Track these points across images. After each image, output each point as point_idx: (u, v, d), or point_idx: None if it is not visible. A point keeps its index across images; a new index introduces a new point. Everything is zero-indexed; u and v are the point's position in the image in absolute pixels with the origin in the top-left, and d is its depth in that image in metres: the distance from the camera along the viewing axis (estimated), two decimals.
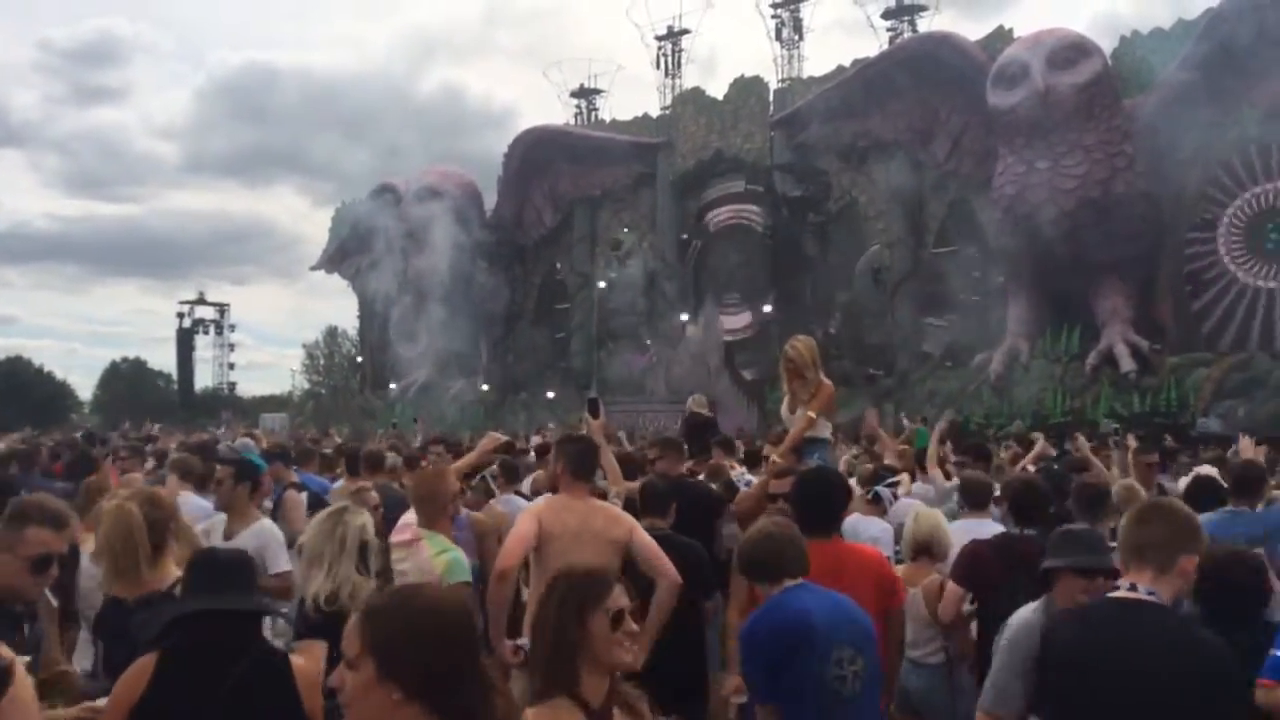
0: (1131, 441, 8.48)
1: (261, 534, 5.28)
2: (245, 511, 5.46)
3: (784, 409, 5.94)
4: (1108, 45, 28.24)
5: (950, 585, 4.77)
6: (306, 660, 3.00)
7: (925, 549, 5.23)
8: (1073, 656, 2.81)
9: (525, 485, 7.82)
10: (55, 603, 3.51)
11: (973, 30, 39.85)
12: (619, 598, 2.52)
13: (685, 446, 7.23)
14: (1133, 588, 2.84)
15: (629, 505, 5.16)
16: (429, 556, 4.25)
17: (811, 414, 5.84)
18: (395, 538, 4.38)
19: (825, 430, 6.07)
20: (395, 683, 1.85)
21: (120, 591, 3.66)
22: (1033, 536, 4.67)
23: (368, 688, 1.87)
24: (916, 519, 5.37)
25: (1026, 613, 3.39)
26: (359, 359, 50.92)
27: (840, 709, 3.43)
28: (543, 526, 4.41)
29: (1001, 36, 29.85)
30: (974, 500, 5.91)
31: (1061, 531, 3.73)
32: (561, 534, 4.41)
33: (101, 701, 3.01)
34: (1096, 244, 25.87)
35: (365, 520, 3.88)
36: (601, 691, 2.47)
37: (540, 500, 4.83)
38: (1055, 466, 8.49)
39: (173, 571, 3.69)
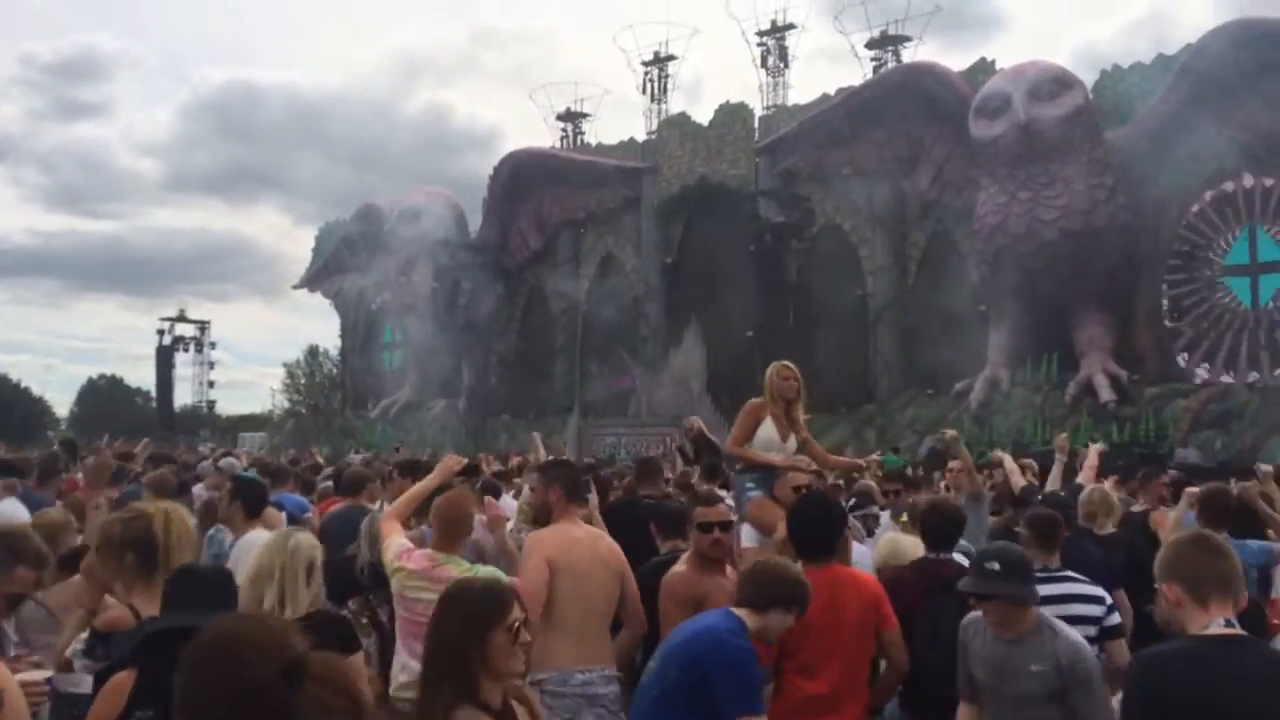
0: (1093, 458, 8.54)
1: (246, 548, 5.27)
2: (240, 527, 5.52)
3: (773, 433, 5.79)
4: (1089, 79, 28.66)
5: None
6: None
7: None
8: (1204, 699, 2.63)
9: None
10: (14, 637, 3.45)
11: (956, 61, 40.31)
12: (517, 610, 2.71)
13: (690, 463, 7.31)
14: (1229, 623, 2.73)
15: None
16: (455, 576, 4.20)
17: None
18: (411, 564, 4.28)
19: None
20: None
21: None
22: (950, 559, 4.72)
23: None
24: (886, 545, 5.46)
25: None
26: (340, 378, 50.72)
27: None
28: (552, 563, 4.43)
29: (984, 68, 30.20)
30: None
31: (1014, 556, 3.86)
32: (572, 569, 4.44)
33: (36, 675, 3.00)
34: (1076, 274, 26.12)
35: (314, 540, 3.82)
36: (499, 694, 2.69)
37: (542, 535, 4.75)
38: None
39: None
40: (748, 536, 5.43)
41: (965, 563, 4.83)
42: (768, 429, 5.72)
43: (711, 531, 4.24)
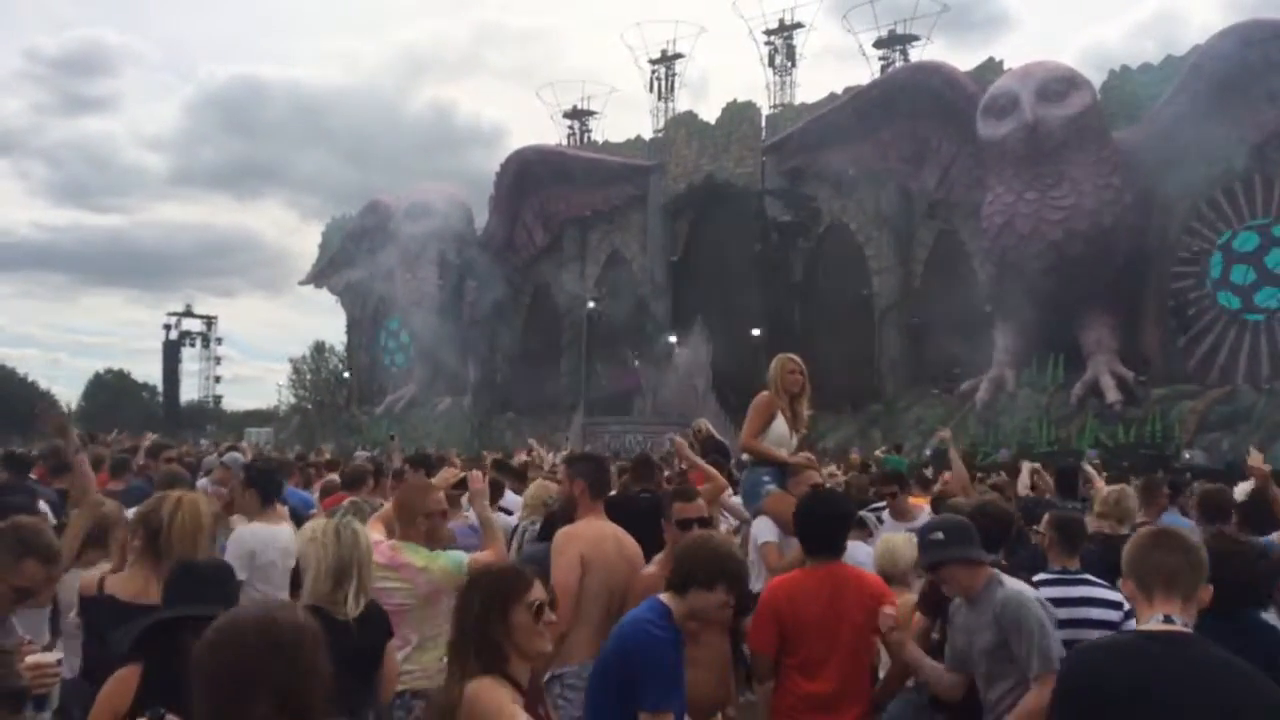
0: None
1: (248, 540, 5.32)
2: (253, 516, 5.56)
3: (785, 429, 5.77)
4: (1097, 79, 28.61)
5: (916, 616, 4.76)
6: None
7: (888, 578, 5.22)
8: (1134, 695, 2.60)
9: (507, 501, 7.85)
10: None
11: (964, 61, 40.24)
12: (538, 590, 2.71)
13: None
14: (1168, 619, 2.70)
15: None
16: (420, 567, 4.20)
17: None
18: (376, 556, 4.31)
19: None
20: None
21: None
22: (995, 562, 4.68)
23: None
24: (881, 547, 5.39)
25: None
26: (346, 374, 50.77)
27: None
28: (585, 558, 4.47)
29: (992, 68, 30.15)
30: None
31: (954, 523, 3.98)
32: (601, 564, 4.49)
33: (49, 657, 3.02)
34: (1083, 275, 26.06)
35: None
36: (527, 674, 2.68)
37: (574, 530, 4.72)
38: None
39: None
40: (766, 530, 5.36)
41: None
42: (780, 424, 5.68)
43: (690, 528, 4.19)
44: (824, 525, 4.21)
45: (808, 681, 3.94)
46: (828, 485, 6.55)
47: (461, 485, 4.96)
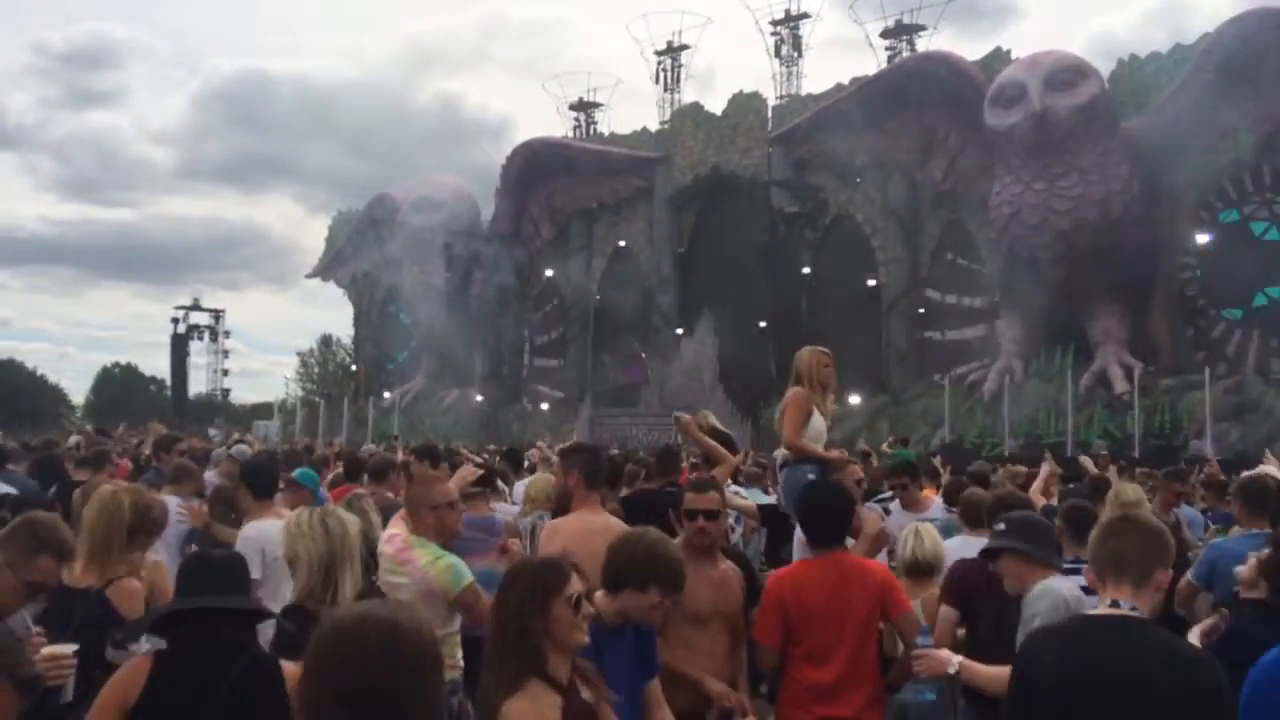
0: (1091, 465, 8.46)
1: (256, 536, 5.29)
2: (250, 512, 5.55)
3: (821, 424, 5.61)
4: (1105, 68, 28.48)
5: (943, 609, 4.74)
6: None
7: (928, 569, 5.19)
8: (1061, 677, 2.66)
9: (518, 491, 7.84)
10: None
11: (971, 50, 40.11)
12: (576, 583, 2.72)
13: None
14: (1114, 604, 2.73)
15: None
16: (423, 566, 4.20)
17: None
18: (385, 547, 4.31)
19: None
20: None
21: (81, 579, 3.67)
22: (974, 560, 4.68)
23: None
24: (919, 536, 5.31)
25: None
26: (353, 367, 50.84)
27: None
28: (567, 555, 4.35)
29: (999, 57, 30.02)
30: (972, 518, 5.88)
31: (1019, 517, 4.04)
32: (588, 558, 4.30)
33: (64, 648, 3.04)
34: (1091, 265, 25.96)
35: (358, 521, 3.88)
36: (566, 670, 2.68)
37: (560, 523, 4.69)
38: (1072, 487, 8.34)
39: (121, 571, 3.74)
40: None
41: None
42: (817, 419, 5.60)
43: (696, 519, 4.18)
44: (826, 516, 4.21)
45: (814, 670, 3.95)
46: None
47: (482, 483, 4.89)
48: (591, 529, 4.49)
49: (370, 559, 4.67)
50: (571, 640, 2.68)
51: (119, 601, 3.65)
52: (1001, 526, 3.98)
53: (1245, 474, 6.74)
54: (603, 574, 3.43)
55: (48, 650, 3.01)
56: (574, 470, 4.79)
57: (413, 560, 4.16)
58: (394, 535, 4.35)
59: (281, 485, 6.04)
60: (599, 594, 3.42)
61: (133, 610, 3.61)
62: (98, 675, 3.10)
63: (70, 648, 3.09)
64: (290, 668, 2.93)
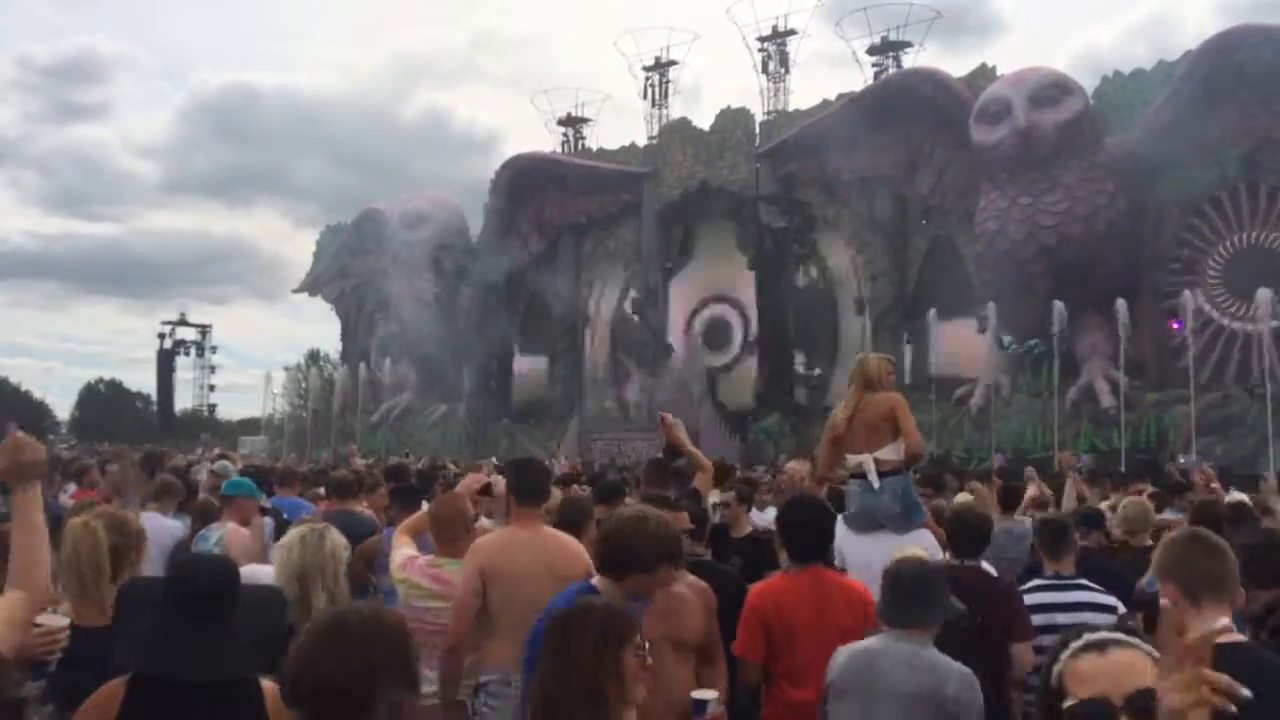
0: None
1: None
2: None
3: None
4: (1090, 84, 28.68)
5: None
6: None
7: None
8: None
9: None
10: None
11: (956, 67, 40.26)
12: (639, 633, 2.54)
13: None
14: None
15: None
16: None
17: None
18: (414, 575, 4.24)
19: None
20: None
21: (93, 619, 3.57)
22: (976, 567, 4.66)
23: None
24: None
25: None
26: (340, 383, 50.63)
27: None
28: (485, 570, 4.23)
29: (985, 74, 30.21)
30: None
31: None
32: (507, 573, 4.23)
33: (58, 620, 2.99)
34: (1077, 280, 26.07)
35: (342, 539, 3.82)
36: None
37: (479, 542, 4.52)
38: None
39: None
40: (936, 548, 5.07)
41: (993, 571, 4.79)
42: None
43: None
44: (807, 531, 4.18)
45: (795, 689, 3.89)
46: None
47: (486, 491, 4.86)
48: (513, 542, 4.37)
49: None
50: (637, 694, 2.49)
51: None
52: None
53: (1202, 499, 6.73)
54: (606, 559, 3.37)
55: (44, 623, 2.96)
56: (506, 484, 4.75)
57: (452, 580, 4.16)
58: (414, 559, 4.29)
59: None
60: (596, 578, 3.41)
61: None
62: None
63: (63, 620, 3.06)
64: (269, 685, 2.89)
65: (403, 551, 4.37)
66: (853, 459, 5.45)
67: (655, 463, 7.30)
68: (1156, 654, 1.53)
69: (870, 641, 3.49)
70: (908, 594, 3.45)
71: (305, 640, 1.76)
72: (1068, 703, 1.57)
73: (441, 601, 4.13)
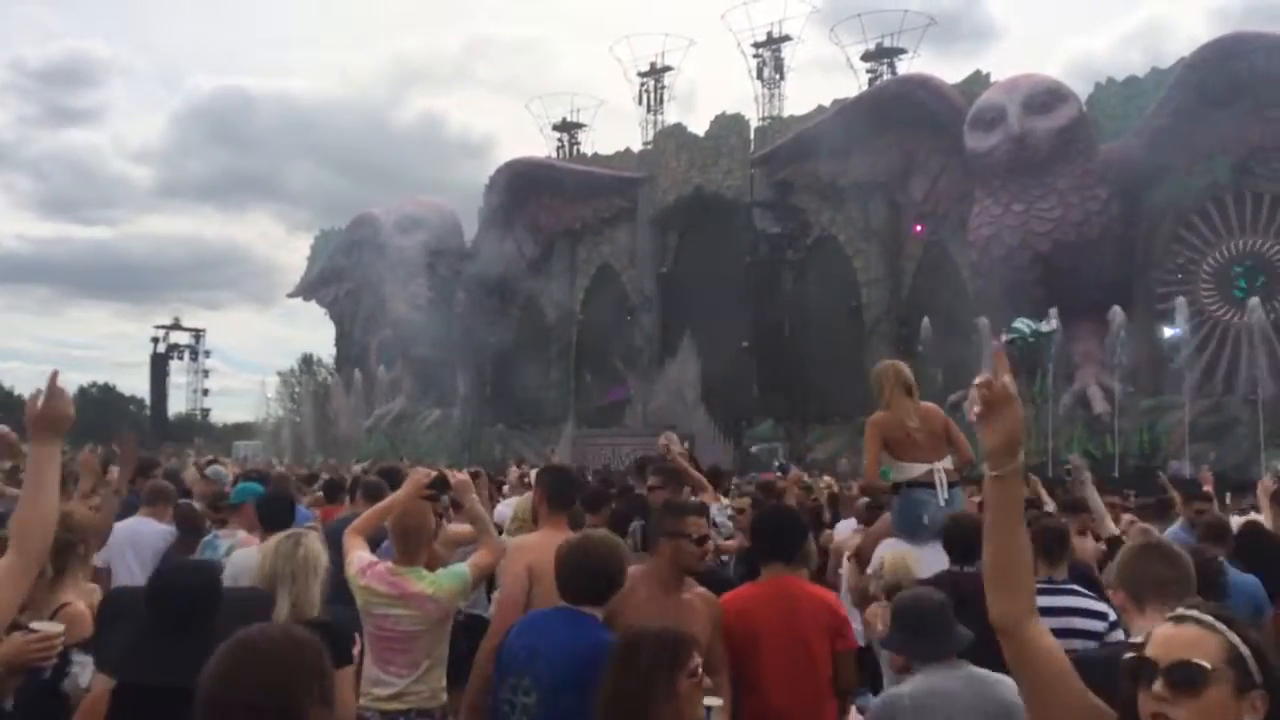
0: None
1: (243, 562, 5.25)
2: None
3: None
4: (1083, 91, 28.76)
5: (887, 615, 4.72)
6: None
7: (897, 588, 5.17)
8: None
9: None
10: None
11: (950, 73, 40.36)
12: (696, 656, 2.54)
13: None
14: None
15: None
16: (432, 594, 4.14)
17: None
18: (373, 582, 4.21)
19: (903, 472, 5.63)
20: None
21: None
22: (974, 573, 4.63)
23: None
24: (885, 562, 5.29)
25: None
26: (334, 387, 50.57)
27: None
28: (533, 569, 4.26)
29: (979, 81, 30.28)
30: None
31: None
32: (550, 576, 4.15)
33: (53, 627, 2.99)
34: (1070, 286, 26.12)
35: (321, 545, 3.77)
36: None
37: (524, 541, 4.63)
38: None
39: (63, 598, 3.47)
40: None
41: None
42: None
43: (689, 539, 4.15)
44: (777, 538, 4.15)
45: (762, 697, 3.84)
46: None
47: (435, 486, 4.73)
48: (556, 545, 4.41)
49: None
50: (693, 717, 2.48)
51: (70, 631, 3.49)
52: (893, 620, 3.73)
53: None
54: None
55: (41, 629, 2.99)
56: (540, 490, 4.78)
57: (417, 594, 4.13)
58: (372, 564, 4.26)
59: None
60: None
61: (81, 634, 3.36)
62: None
63: (58, 626, 3.05)
64: None
65: (359, 555, 4.29)
66: (918, 468, 5.37)
67: (642, 460, 7.29)
68: (1233, 636, 1.69)
69: (919, 682, 3.45)
70: (929, 625, 3.51)
71: (217, 658, 1.74)
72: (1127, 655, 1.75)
73: (402, 608, 4.10)
